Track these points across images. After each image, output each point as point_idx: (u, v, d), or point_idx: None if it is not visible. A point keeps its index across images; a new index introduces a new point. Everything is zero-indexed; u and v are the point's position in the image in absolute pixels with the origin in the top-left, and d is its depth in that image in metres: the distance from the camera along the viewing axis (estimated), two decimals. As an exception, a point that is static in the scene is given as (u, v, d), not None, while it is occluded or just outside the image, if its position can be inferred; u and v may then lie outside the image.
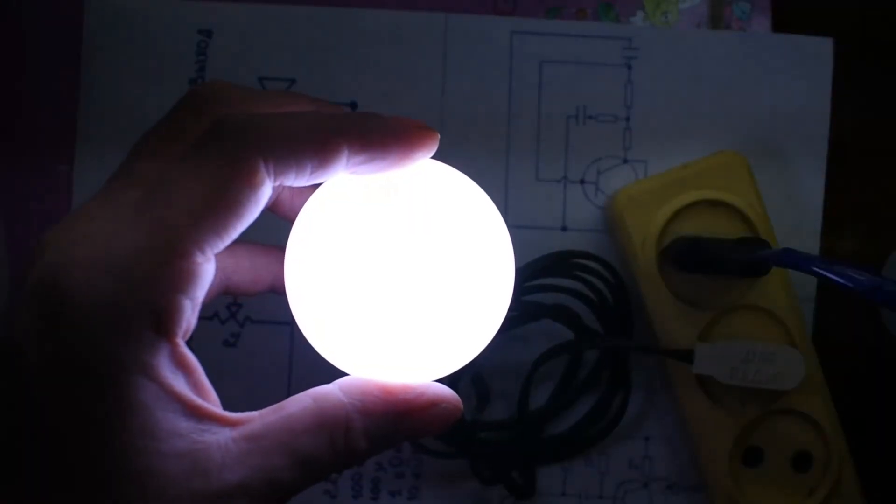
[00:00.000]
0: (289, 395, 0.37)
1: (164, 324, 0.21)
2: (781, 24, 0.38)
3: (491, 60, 0.37)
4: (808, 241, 0.38)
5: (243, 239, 0.23)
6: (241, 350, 0.37)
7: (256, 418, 0.23)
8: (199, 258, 0.22)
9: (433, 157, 0.25)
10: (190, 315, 0.22)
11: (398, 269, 0.24)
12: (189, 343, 0.23)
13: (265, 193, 0.22)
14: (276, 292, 0.28)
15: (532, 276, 0.36)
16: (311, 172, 0.23)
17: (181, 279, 0.21)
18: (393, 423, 0.24)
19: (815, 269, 0.26)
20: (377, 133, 0.23)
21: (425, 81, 0.37)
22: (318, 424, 0.23)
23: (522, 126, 0.38)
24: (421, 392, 0.24)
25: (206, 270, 0.22)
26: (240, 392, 0.37)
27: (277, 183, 0.22)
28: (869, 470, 0.37)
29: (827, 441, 0.36)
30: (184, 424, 0.22)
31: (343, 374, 0.25)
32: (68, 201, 0.37)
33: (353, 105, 0.37)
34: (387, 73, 0.37)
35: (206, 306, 0.28)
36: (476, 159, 0.37)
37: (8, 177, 0.37)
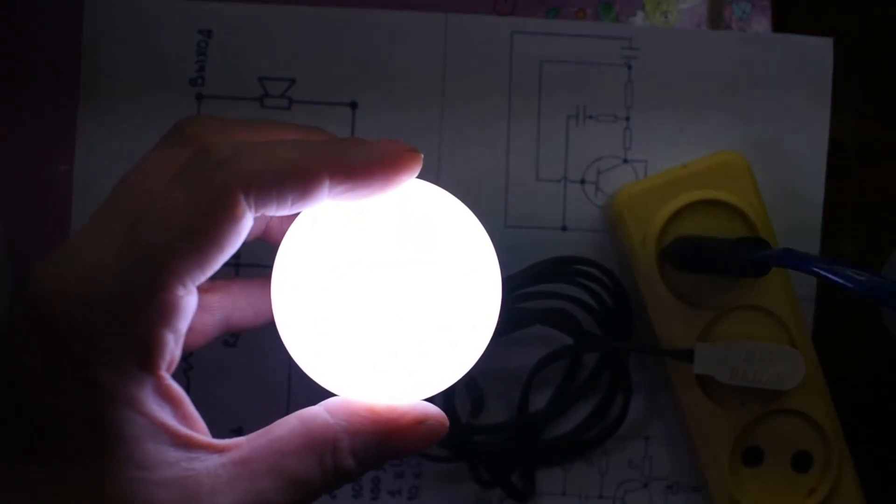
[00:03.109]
0: (288, 395, 0.38)
1: (147, 358, 0.22)
2: (781, 24, 0.38)
3: (491, 60, 0.37)
4: (808, 241, 0.38)
5: (234, 275, 0.23)
6: (241, 350, 0.37)
7: (244, 443, 0.23)
8: (181, 291, 0.22)
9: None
10: (173, 348, 0.22)
11: (382, 291, 0.24)
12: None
13: (246, 225, 0.22)
14: None
15: (529, 281, 0.36)
16: (293, 203, 0.23)
17: (163, 312, 0.22)
18: (379, 442, 0.24)
19: (815, 269, 0.26)
20: (359, 162, 0.23)
21: (425, 81, 0.37)
22: (305, 445, 0.23)
23: (522, 126, 0.38)
24: (406, 411, 0.25)
25: (189, 303, 0.22)
26: (240, 392, 0.37)
27: (258, 214, 0.22)
28: (869, 470, 0.37)
29: (827, 441, 0.36)
30: (173, 454, 0.22)
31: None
32: (68, 201, 0.37)
33: (354, 105, 0.37)
34: (387, 73, 0.37)
35: (206, 345, 0.28)
36: (476, 159, 0.37)
37: (8, 177, 0.37)
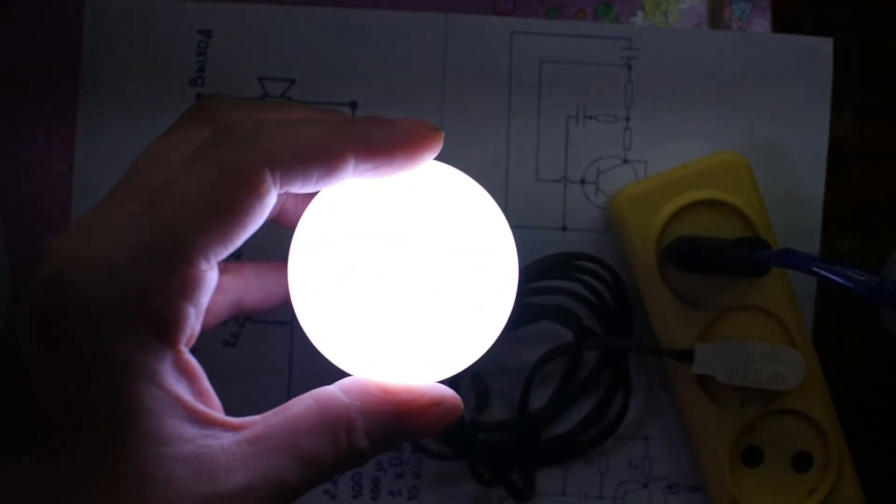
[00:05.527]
0: (288, 394, 0.38)
1: (167, 331, 0.22)
2: (781, 24, 0.38)
3: (491, 60, 0.37)
4: (808, 241, 0.38)
5: (252, 258, 0.23)
6: (240, 350, 0.37)
7: (259, 421, 0.23)
8: (203, 266, 0.22)
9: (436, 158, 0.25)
10: (194, 322, 0.22)
11: (401, 271, 0.24)
12: (192, 349, 0.23)
13: (270, 202, 0.22)
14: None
15: (532, 277, 0.36)
16: (318, 180, 0.23)
17: (185, 286, 0.21)
18: (394, 423, 0.24)
19: (815, 269, 0.26)
20: (383, 139, 0.23)
21: (425, 81, 0.37)
22: (320, 424, 0.23)
23: (522, 126, 0.38)
24: (422, 393, 0.25)
25: (210, 278, 0.22)
26: (240, 392, 0.37)
27: (283, 191, 0.22)
28: (869, 470, 0.37)
29: (827, 441, 0.36)
30: (189, 430, 0.22)
31: (342, 374, 0.25)
32: (68, 201, 0.37)
33: (354, 105, 0.37)
34: (387, 73, 0.37)
35: (219, 326, 0.28)
36: (476, 159, 0.37)
37: (8, 177, 0.37)
